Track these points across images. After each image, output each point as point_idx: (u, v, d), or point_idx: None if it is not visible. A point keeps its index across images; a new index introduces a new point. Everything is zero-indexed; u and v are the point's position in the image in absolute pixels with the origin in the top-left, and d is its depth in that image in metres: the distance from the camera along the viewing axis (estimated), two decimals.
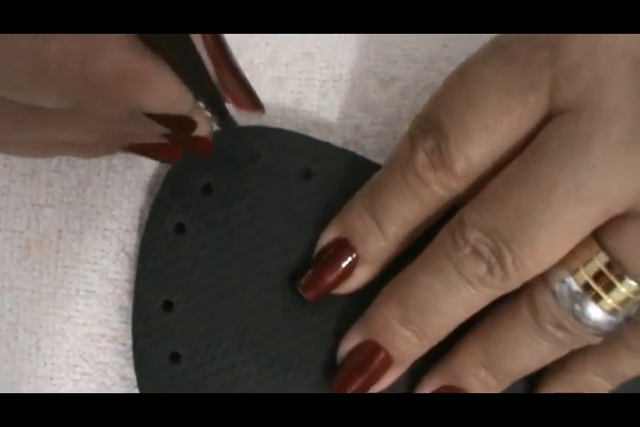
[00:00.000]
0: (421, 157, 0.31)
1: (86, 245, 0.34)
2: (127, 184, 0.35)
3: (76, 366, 0.34)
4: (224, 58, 0.29)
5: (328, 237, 0.34)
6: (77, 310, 0.34)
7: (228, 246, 0.34)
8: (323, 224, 0.34)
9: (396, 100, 0.36)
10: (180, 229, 0.34)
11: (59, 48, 0.24)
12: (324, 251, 0.34)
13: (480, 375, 0.33)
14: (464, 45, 0.36)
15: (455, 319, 0.32)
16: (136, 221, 0.35)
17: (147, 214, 0.34)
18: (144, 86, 0.26)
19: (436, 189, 0.31)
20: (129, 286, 0.34)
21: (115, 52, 0.25)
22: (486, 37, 0.36)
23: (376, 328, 0.33)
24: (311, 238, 0.34)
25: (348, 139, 0.35)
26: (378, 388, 0.33)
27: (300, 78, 0.35)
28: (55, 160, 0.35)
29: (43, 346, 0.34)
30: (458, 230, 0.31)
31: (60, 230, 0.35)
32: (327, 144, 0.35)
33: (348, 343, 0.34)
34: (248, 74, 0.35)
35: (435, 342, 0.33)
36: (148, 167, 0.35)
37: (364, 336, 0.33)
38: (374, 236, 0.33)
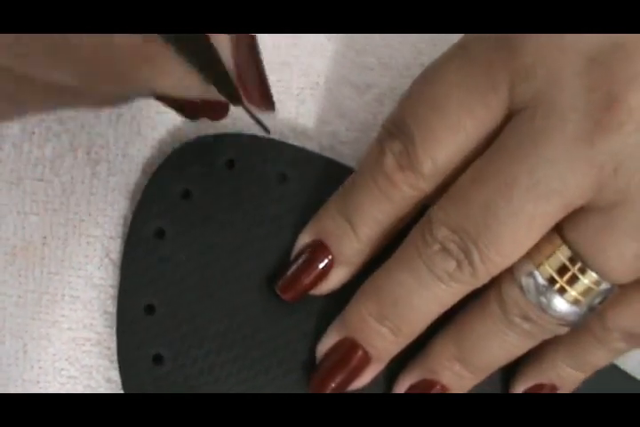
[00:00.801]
0: (390, 160, 0.32)
1: (71, 251, 0.35)
2: (111, 192, 0.35)
3: (62, 369, 0.35)
4: (252, 56, 0.29)
5: (304, 239, 0.35)
6: (63, 315, 0.35)
7: (207, 250, 0.35)
8: (299, 226, 0.35)
9: (371, 107, 0.37)
10: (160, 233, 0.35)
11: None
12: (301, 253, 0.34)
13: (454, 369, 0.34)
14: (438, 52, 0.36)
15: (429, 315, 0.33)
16: (120, 228, 0.35)
17: (130, 221, 0.35)
18: (155, 69, 0.26)
19: (405, 189, 0.32)
20: (113, 292, 0.35)
21: (128, 36, 0.25)
22: None
23: (353, 326, 0.34)
24: (288, 240, 0.35)
25: (324, 145, 0.36)
26: (357, 385, 0.34)
27: (277, 86, 0.36)
28: (40, 168, 0.35)
29: (29, 350, 0.35)
30: (427, 228, 0.32)
31: (45, 237, 0.35)
32: (302, 149, 0.36)
33: (327, 342, 0.34)
34: None
35: (410, 339, 0.34)
36: (131, 175, 0.35)
37: (342, 334, 0.34)
38: (348, 237, 0.34)
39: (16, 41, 0.25)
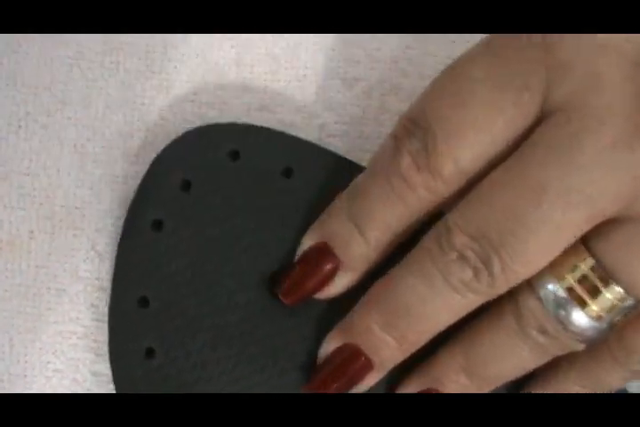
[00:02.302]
0: (406, 160, 0.30)
1: (57, 244, 0.35)
2: (97, 184, 0.35)
3: (48, 362, 0.35)
4: None
5: (308, 241, 0.33)
6: (49, 309, 0.35)
7: (206, 243, 0.34)
8: (303, 224, 0.34)
9: (360, 100, 0.36)
10: (157, 225, 0.34)
11: None
12: (305, 256, 0.33)
13: (460, 380, 0.32)
14: (426, 47, 0.36)
15: (438, 325, 0.31)
16: (107, 221, 0.35)
17: (116, 214, 0.35)
18: None
19: (421, 192, 0.30)
20: (99, 284, 0.35)
21: None
22: (452, 37, 0.36)
23: (357, 332, 0.32)
24: (291, 237, 0.34)
25: (312, 138, 0.36)
26: (356, 391, 0.33)
27: (265, 79, 0.36)
28: (26, 162, 0.35)
29: (16, 344, 0.35)
30: (444, 235, 0.30)
31: (32, 231, 0.35)
32: (308, 142, 0.35)
33: (329, 345, 0.33)
34: (214, 75, 0.36)
35: (416, 348, 0.32)
36: (116, 167, 0.35)
37: (345, 339, 0.32)
38: (356, 241, 0.32)
39: None
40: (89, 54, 0.36)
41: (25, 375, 0.35)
